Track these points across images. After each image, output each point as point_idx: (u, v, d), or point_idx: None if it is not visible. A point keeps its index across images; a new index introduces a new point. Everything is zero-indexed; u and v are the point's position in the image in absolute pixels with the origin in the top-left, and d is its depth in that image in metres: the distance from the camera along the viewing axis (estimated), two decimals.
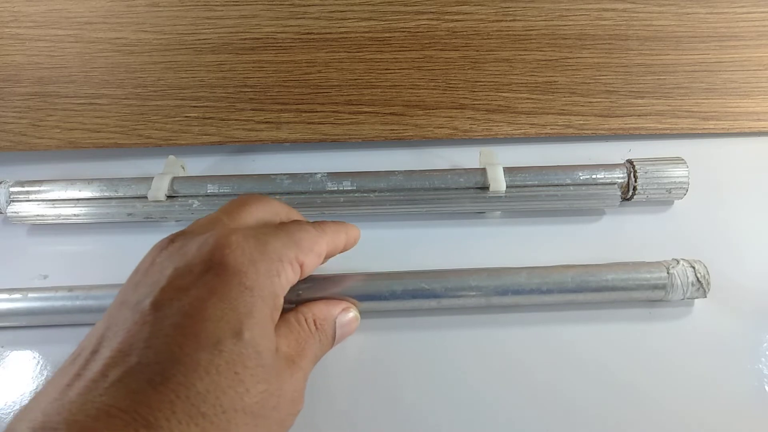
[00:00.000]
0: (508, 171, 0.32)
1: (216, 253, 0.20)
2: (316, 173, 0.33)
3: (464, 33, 0.37)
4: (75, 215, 0.33)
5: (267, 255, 0.21)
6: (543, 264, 0.28)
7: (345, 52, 0.37)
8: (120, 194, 0.33)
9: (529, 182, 0.32)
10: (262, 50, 0.37)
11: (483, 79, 0.37)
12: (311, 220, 0.26)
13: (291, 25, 0.37)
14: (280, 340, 0.22)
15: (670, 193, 0.32)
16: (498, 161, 0.33)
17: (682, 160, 0.32)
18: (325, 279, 0.27)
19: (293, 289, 0.26)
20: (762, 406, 0.25)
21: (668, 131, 0.37)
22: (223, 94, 0.37)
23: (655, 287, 0.28)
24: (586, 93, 0.37)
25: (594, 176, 0.33)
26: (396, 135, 0.37)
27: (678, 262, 0.28)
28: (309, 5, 0.37)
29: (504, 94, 0.37)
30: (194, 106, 0.37)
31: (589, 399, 0.26)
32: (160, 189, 0.32)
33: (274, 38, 0.37)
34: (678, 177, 0.32)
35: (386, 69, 0.37)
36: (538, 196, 0.32)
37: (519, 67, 0.37)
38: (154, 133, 0.37)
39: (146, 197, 0.33)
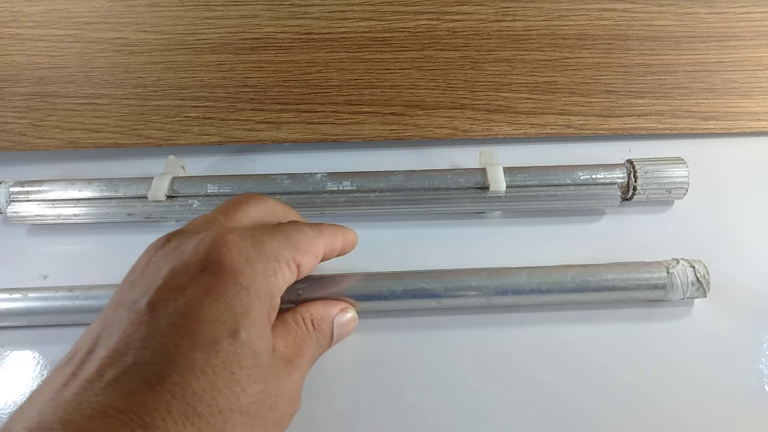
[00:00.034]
0: (508, 171, 0.32)
1: (212, 253, 0.20)
2: (316, 173, 0.33)
3: (464, 33, 0.37)
4: (75, 215, 0.33)
5: (263, 254, 0.21)
6: (543, 264, 0.28)
7: (345, 52, 0.37)
8: (120, 194, 0.33)
9: (529, 182, 0.32)
10: (262, 50, 0.37)
11: (483, 79, 0.37)
12: (311, 221, 0.26)
13: (291, 25, 0.37)
14: (278, 340, 0.22)
15: (670, 193, 0.32)
16: (498, 161, 0.33)
17: (682, 160, 0.32)
18: (325, 279, 0.27)
19: (293, 288, 0.26)
20: (762, 406, 0.25)
21: (668, 131, 0.37)
22: (223, 94, 0.37)
23: (655, 287, 0.28)
24: (586, 93, 0.37)
25: (594, 176, 0.33)
26: (396, 135, 0.37)
27: (678, 261, 0.28)
28: (309, 5, 0.37)
29: (504, 94, 0.37)
30: (194, 106, 0.37)
31: (589, 399, 0.26)
32: (160, 189, 0.32)
33: (274, 38, 0.37)
34: (678, 177, 0.32)
35: (386, 69, 0.37)
36: (538, 196, 0.32)
37: (519, 67, 0.37)
38: (154, 133, 0.37)
39: (146, 197, 0.33)
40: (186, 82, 0.37)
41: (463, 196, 0.32)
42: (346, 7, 0.37)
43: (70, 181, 0.33)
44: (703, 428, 0.25)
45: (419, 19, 0.37)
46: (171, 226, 0.34)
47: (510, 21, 0.37)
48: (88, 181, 0.33)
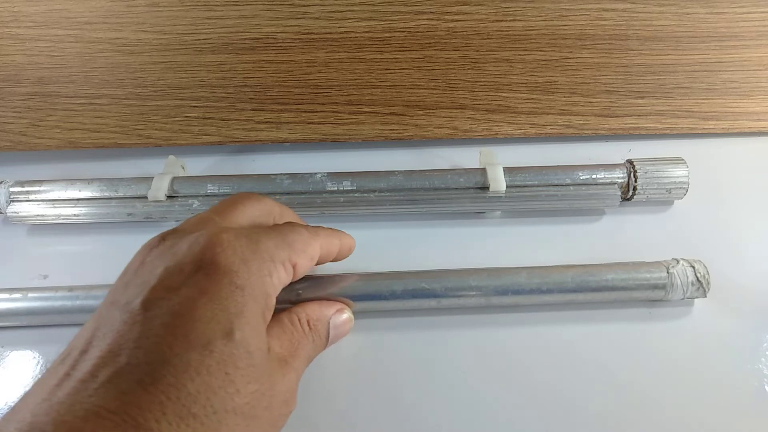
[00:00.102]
0: (508, 171, 0.32)
1: (207, 252, 0.20)
2: (316, 173, 0.33)
3: (464, 33, 0.37)
4: (75, 215, 0.33)
5: (259, 254, 0.21)
6: (543, 264, 0.28)
7: (345, 52, 0.37)
8: (120, 194, 0.33)
9: (529, 182, 0.32)
10: (262, 50, 0.37)
11: (483, 79, 0.37)
12: (311, 221, 0.26)
13: (291, 25, 0.37)
14: (273, 340, 0.22)
15: (670, 193, 0.32)
16: (498, 161, 0.33)
17: (682, 160, 0.32)
18: (325, 279, 0.27)
19: (292, 288, 0.26)
20: (762, 406, 0.25)
21: (668, 131, 0.37)
22: (223, 94, 0.37)
23: (655, 287, 0.28)
24: (586, 93, 0.37)
25: (594, 176, 0.33)
26: (396, 135, 0.37)
27: (678, 261, 0.28)
28: (309, 5, 0.37)
29: (504, 94, 0.37)
30: (194, 106, 0.37)
31: (589, 399, 0.26)
32: (160, 189, 0.32)
33: (274, 38, 0.37)
34: (678, 177, 0.32)
35: (386, 69, 0.37)
36: (538, 196, 0.32)
37: (519, 67, 0.37)
38: (154, 133, 0.37)
39: (146, 197, 0.33)
40: (186, 82, 0.37)
41: (463, 196, 0.32)
42: (346, 7, 0.37)
43: (70, 181, 0.33)
44: (703, 428, 0.25)
45: (419, 19, 0.37)
46: (171, 226, 0.34)
47: (510, 21, 0.37)
48: (88, 181, 0.33)
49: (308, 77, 0.37)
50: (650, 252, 0.29)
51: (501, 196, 0.32)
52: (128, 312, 0.19)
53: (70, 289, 0.28)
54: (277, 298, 0.22)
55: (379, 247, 0.32)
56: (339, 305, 0.26)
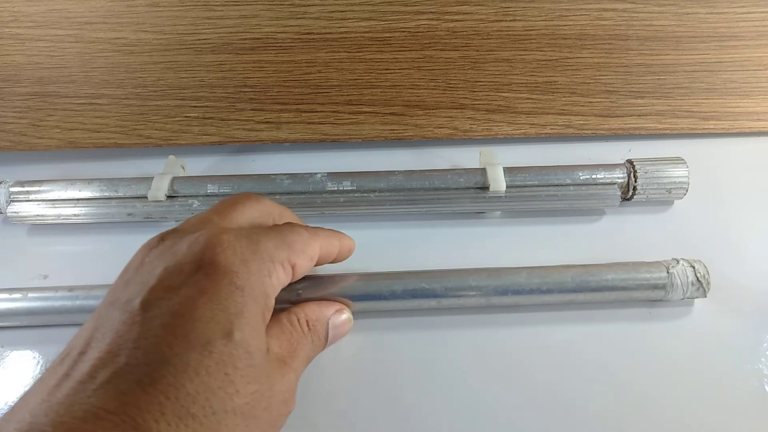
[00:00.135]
0: (508, 171, 0.32)
1: (207, 252, 0.20)
2: (316, 173, 0.33)
3: (464, 33, 0.37)
4: (75, 215, 0.33)
5: (258, 255, 0.21)
6: (543, 264, 0.28)
7: (345, 52, 0.37)
8: (120, 194, 0.33)
9: (529, 182, 0.32)
10: (262, 50, 0.37)
11: (483, 79, 0.37)
12: (311, 221, 0.26)
13: (291, 25, 0.37)
14: (272, 340, 0.22)
15: (670, 193, 0.32)
16: (498, 161, 0.33)
17: (682, 160, 0.32)
18: (325, 279, 0.27)
19: (292, 288, 0.26)
20: (762, 406, 0.25)
21: (668, 131, 0.37)
22: (223, 94, 0.37)
23: (655, 287, 0.28)
24: (586, 93, 0.37)
25: (594, 176, 0.33)
26: (396, 135, 0.37)
27: (678, 261, 0.28)
28: (309, 5, 0.37)
29: (504, 94, 0.37)
30: (194, 106, 0.37)
31: (589, 399, 0.26)
32: (160, 189, 0.32)
33: (274, 38, 0.37)
34: (678, 177, 0.32)
35: (386, 69, 0.37)
36: (538, 196, 0.32)
37: (519, 67, 0.37)
38: (154, 133, 0.37)
39: (146, 197, 0.33)
40: (186, 82, 0.37)
41: (463, 196, 0.32)
42: (346, 7, 0.37)
43: (70, 181, 0.33)
44: (703, 428, 0.25)
45: (419, 19, 0.37)
46: (171, 226, 0.34)
47: (510, 21, 0.37)
48: (88, 181, 0.33)
49: (308, 77, 0.37)
50: (650, 252, 0.29)
51: (501, 196, 0.32)
52: (127, 312, 0.19)
53: (70, 289, 0.28)
54: (277, 298, 0.22)
55: (379, 247, 0.32)
56: (338, 305, 0.26)
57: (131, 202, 0.33)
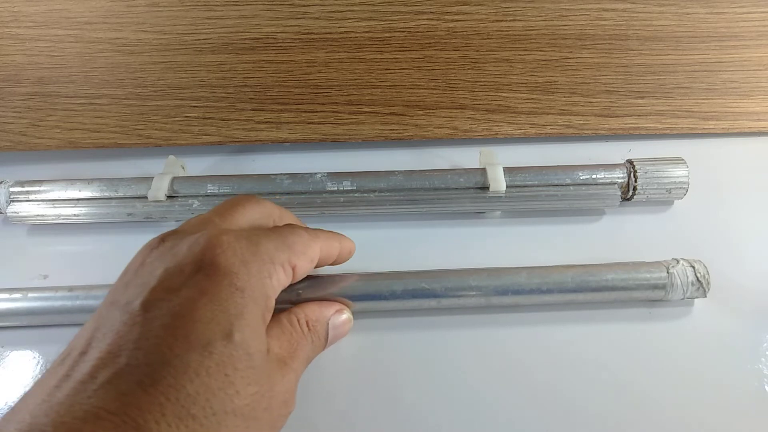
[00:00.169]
0: (508, 171, 0.32)
1: (207, 254, 0.20)
2: (316, 173, 0.33)
3: (464, 33, 0.37)
4: (75, 215, 0.33)
5: (259, 256, 0.21)
6: (543, 264, 0.28)
7: (345, 52, 0.37)
8: (120, 194, 0.33)
9: (529, 182, 0.32)
10: (262, 50, 0.37)
11: (483, 79, 0.37)
12: (311, 221, 0.26)
13: (291, 25, 0.37)
14: (272, 341, 0.22)
15: (670, 193, 0.32)
16: (498, 161, 0.33)
17: (682, 160, 0.32)
18: (325, 279, 0.27)
19: (293, 288, 0.26)
20: (762, 406, 0.25)
21: (668, 131, 0.37)
22: (223, 94, 0.37)
23: (655, 287, 0.28)
24: (586, 93, 0.37)
25: (594, 176, 0.33)
26: (396, 135, 0.37)
27: (678, 261, 0.28)
28: (309, 5, 0.37)
29: (504, 94, 0.37)
30: (194, 106, 0.37)
31: (589, 399, 0.26)
32: (160, 189, 0.32)
33: (274, 38, 0.37)
34: (678, 177, 0.32)
35: (386, 69, 0.37)
36: (538, 196, 0.32)
37: (519, 67, 0.37)
38: (154, 133, 0.37)
39: (146, 197, 0.33)
40: (186, 82, 0.37)
41: (463, 196, 0.32)
42: (346, 7, 0.37)
43: (70, 181, 0.33)
44: (703, 428, 0.25)
45: (419, 19, 0.37)
46: (171, 226, 0.34)
47: (510, 21, 0.37)
48: (88, 181, 0.33)
49: (308, 77, 0.37)
50: (650, 252, 0.29)
51: (501, 196, 0.32)
52: (128, 313, 0.19)
53: (70, 289, 0.28)
54: (277, 299, 0.22)
55: (379, 247, 0.32)
56: (338, 306, 0.26)
57: (131, 202, 0.33)
